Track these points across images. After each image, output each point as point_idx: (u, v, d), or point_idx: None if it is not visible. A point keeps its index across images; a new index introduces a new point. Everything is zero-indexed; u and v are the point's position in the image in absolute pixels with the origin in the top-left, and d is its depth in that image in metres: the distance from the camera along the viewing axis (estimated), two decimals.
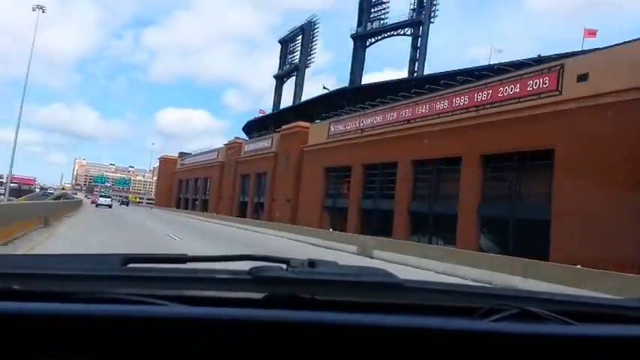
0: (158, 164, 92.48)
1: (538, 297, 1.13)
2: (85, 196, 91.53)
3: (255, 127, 59.99)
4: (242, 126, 70.84)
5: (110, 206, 57.65)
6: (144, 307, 0.85)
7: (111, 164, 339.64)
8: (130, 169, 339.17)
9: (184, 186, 77.54)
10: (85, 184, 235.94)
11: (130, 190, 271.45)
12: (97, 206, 55.49)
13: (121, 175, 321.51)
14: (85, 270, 1.03)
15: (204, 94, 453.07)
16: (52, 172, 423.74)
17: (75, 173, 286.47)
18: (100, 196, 74.85)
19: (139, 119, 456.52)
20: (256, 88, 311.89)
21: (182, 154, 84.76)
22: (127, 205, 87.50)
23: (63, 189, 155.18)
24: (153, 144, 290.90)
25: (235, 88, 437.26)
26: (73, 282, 0.97)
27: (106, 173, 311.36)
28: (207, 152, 69.10)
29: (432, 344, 0.86)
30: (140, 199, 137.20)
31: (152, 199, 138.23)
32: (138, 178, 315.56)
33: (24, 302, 0.82)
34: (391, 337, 0.85)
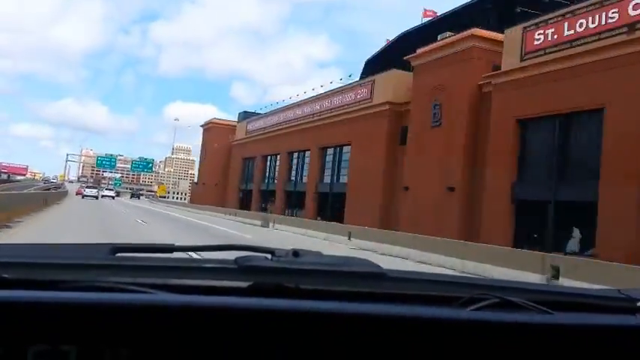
0: (202, 135, 60.16)
1: (518, 287, 1.16)
2: (80, 186, 76.90)
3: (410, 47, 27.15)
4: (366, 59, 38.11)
5: (97, 197, 49.61)
6: (131, 295, 0.86)
7: (119, 155, 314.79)
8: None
9: (258, 169, 45.69)
10: (91, 176, 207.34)
11: (141, 181, 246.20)
12: (82, 197, 49.05)
13: (128, 167, 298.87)
14: (74, 259, 1.04)
15: (210, 87, 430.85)
16: (62, 165, 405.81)
17: (81, 164, 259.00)
18: (87, 187, 63.54)
19: (148, 114, 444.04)
20: (262, 81, 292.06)
21: (247, 115, 52.27)
22: (138, 198, 74.08)
23: (54, 180, 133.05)
24: (176, 119, 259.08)
25: (242, 81, 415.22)
26: (62, 270, 0.97)
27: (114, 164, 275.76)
28: (320, 96, 37.47)
29: (413, 332, 0.88)
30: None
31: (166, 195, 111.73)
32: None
33: (13, 290, 0.82)
34: (374, 325, 0.87)
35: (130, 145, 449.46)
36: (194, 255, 1.18)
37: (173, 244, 1.16)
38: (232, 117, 53.89)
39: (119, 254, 1.07)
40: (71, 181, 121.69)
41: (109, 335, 0.79)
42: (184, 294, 0.89)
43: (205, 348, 0.81)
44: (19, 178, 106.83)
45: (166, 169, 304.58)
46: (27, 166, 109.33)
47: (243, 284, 0.98)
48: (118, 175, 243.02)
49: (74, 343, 0.78)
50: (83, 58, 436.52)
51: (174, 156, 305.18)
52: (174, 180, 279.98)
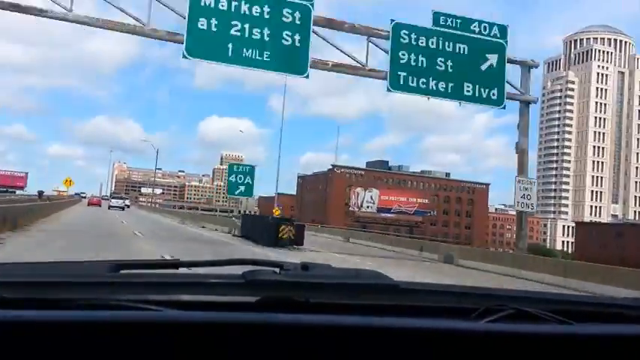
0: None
1: (534, 297, 1.14)
2: (94, 196, 62.45)
3: None
4: None
5: (123, 209, 45.26)
6: (138, 313, 0.85)
7: (158, 169, 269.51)
8: (180, 173, 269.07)
9: None
10: (125, 192, 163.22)
11: (186, 197, 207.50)
12: (109, 208, 45.37)
13: (169, 181, 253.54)
14: (77, 277, 1.03)
15: (246, 100, 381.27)
16: (96, 183, 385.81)
17: (114, 179, 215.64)
18: (113, 197, 55.71)
19: (182, 129, 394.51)
20: (300, 93, 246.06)
21: None
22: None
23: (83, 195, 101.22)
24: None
25: (279, 93, 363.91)
26: (66, 289, 0.95)
27: (152, 179, 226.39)
28: None
29: (428, 346, 0.85)
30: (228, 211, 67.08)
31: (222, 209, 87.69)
32: (193, 183, 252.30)
33: (17, 310, 0.80)
34: (387, 339, 0.84)
35: (165, 162, 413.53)
36: (200, 271, 1.11)
37: (178, 259, 1.14)
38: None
39: (123, 271, 1.05)
40: (104, 197, 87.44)
41: (115, 354, 0.77)
42: (192, 310, 0.88)
43: None
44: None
45: (215, 183, 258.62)
46: (26, 174, 63.55)
47: (252, 299, 0.95)
48: (159, 191, 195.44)
49: None
50: (116, 73, 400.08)
51: (223, 167, 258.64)
52: (226, 196, 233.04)
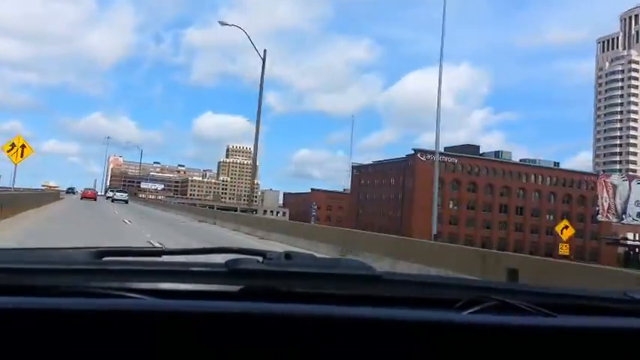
0: None
1: (518, 289, 1.15)
2: (116, 190, 57.15)
3: None
4: None
5: (127, 202, 47.15)
6: (119, 301, 0.85)
7: (155, 162, 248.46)
8: (180, 168, 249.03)
9: None
10: (123, 185, 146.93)
11: (189, 193, 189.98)
12: (112, 201, 46.88)
13: (169, 176, 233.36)
14: (58, 264, 1.02)
15: (241, 96, 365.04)
16: (90, 178, 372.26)
17: (109, 173, 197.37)
18: (117, 190, 56.59)
19: (177, 126, 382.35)
20: (297, 88, 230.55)
21: None
22: None
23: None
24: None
25: (274, 88, 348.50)
26: (46, 276, 0.95)
27: (151, 173, 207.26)
28: None
29: (410, 336, 0.86)
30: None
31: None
32: (195, 178, 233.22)
33: None
34: (369, 329, 0.84)
35: (160, 157, 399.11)
36: (183, 259, 1.11)
37: (162, 248, 1.14)
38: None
39: (106, 258, 1.05)
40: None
41: (95, 342, 0.76)
42: (174, 299, 0.87)
43: (196, 354, 0.79)
44: None
45: (221, 178, 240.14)
46: None
47: (234, 288, 0.95)
48: (160, 187, 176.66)
49: (59, 351, 0.75)
50: (112, 70, 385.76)
51: (230, 160, 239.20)
52: (237, 191, 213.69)
